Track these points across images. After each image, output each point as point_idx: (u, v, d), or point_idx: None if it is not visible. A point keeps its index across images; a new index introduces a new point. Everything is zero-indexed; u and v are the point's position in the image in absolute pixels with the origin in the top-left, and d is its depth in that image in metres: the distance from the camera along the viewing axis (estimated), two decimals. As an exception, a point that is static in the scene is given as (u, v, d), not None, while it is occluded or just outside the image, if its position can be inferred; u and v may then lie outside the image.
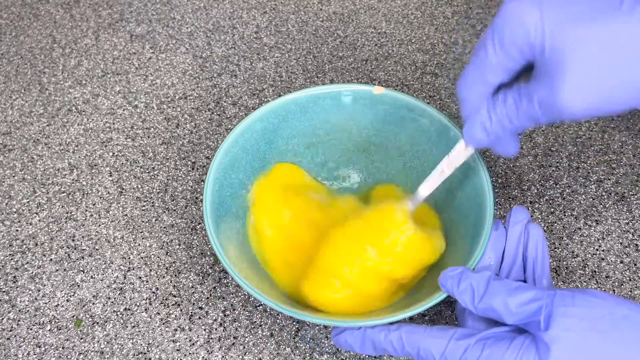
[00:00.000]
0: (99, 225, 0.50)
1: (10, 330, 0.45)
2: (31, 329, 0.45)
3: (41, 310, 0.46)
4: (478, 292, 0.33)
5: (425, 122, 0.45)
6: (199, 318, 0.45)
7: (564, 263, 0.47)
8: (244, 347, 0.43)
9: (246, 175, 0.45)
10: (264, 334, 0.44)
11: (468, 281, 0.34)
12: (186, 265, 0.48)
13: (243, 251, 0.42)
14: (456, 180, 0.43)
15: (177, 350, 0.43)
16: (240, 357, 0.43)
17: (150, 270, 0.47)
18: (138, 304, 0.46)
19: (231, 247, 0.40)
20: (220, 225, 0.41)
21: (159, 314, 0.45)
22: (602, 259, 0.47)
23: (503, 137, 0.35)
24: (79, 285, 0.47)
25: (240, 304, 0.45)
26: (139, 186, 0.52)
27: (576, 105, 0.29)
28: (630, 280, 0.46)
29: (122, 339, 0.44)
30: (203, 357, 0.43)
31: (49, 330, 0.45)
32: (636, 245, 0.48)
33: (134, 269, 0.47)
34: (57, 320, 0.45)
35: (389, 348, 0.34)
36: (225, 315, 0.45)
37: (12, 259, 0.48)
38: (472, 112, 0.35)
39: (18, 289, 0.47)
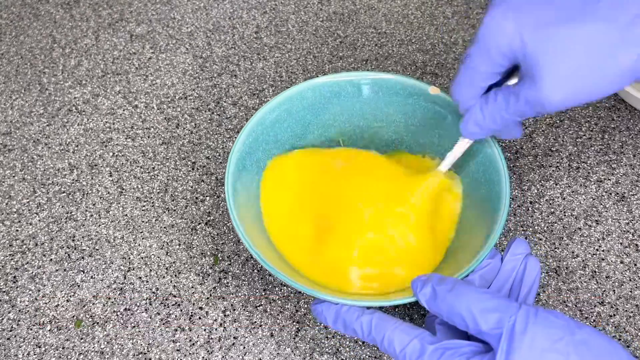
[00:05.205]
0: (99, 225, 0.50)
1: (10, 330, 0.45)
2: (31, 329, 0.45)
3: (41, 311, 0.46)
4: (441, 292, 0.33)
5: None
6: (199, 318, 0.45)
7: (564, 263, 0.47)
8: (244, 347, 0.43)
9: (286, 136, 0.47)
10: (264, 334, 0.44)
11: (431, 283, 0.34)
12: (186, 265, 0.48)
13: (251, 205, 0.44)
14: (477, 174, 0.44)
15: (177, 350, 0.43)
16: (240, 357, 0.43)
17: (150, 270, 0.47)
18: (138, 304, 0.46)
19: (242, 196, 0.42)
20: (242, 173, 0.43)
21: (159, 314, 0.45)
22: (602, 259, 0.47)
23: (504, 127, 0.39)
24: (79, 286, 0.47)
25: (241, 304, 0.45)
26: (139, 186, 0.52)
27: (557, 99, 0.33)
28: (630, 280, 0.46)
29: (122, 339, 0.44)
30: (203, 357, 0.43)
31: (49, 330, 0.45)
32: (636, 245, 0.48)
33: (134, 269, 0.47)
34: (57, 321, 0.45)
35: (358, 329, 0.36)
36: (225, 316, 0.45)
37: (12, 259, 0.48)
38: (467, 110, 0.39)
39: (18, 289, 0.47)
